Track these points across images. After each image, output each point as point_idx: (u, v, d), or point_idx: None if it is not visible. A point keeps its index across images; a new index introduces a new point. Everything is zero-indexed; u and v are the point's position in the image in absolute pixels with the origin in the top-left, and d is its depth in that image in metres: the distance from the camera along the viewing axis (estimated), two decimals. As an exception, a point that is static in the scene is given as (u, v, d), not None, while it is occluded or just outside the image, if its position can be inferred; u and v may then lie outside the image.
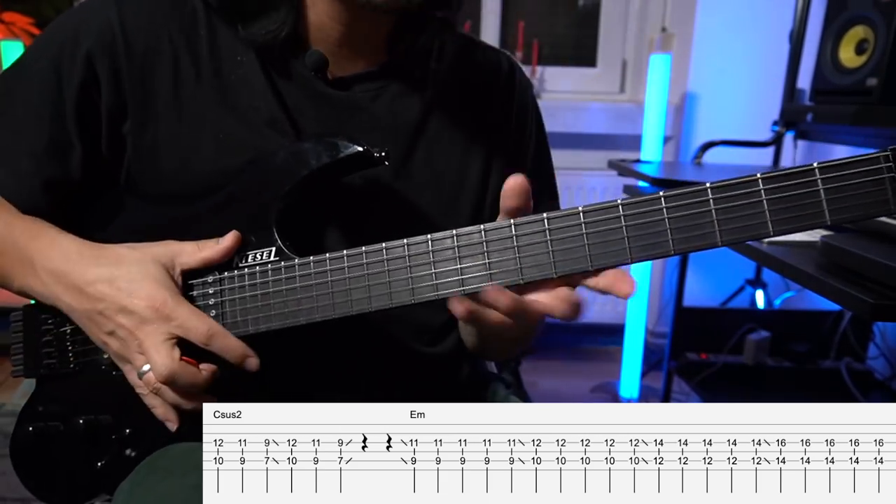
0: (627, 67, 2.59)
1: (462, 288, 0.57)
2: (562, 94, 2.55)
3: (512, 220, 0.56)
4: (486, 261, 0.57)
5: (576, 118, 2.42)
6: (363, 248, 0.60)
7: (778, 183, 0.50)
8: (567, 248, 0.55)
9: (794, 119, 1.95)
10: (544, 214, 0.55)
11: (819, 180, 0.49)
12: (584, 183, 2.44)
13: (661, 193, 0.53)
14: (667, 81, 2.16)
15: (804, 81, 1.95)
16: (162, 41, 0.68)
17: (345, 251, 0.60)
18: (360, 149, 0.64)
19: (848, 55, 1.64)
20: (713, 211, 0.52)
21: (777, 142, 2.10)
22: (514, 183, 0.55)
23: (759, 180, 0.50)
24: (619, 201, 0.54)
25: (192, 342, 0.61)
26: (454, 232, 0.57)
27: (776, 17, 2.24)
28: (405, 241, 0.58)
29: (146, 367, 0.61)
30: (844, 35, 1.64)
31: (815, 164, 0.50)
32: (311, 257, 0.62)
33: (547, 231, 0.55)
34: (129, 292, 0.61)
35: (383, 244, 0.59)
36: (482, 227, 0.57)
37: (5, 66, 1.93)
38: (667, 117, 2.23)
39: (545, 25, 2.63)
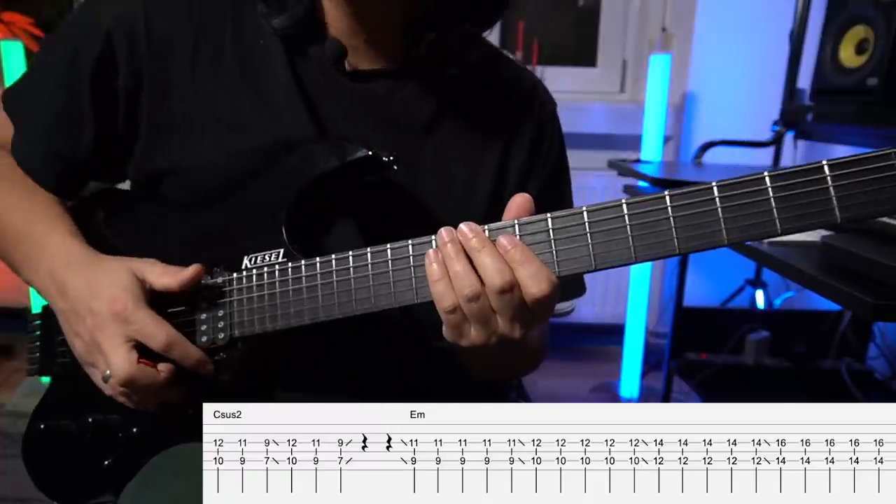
0: (627, 67, 2.58)
1: None
2: (562, 94, 2.53)
3: (516, 220, 0.55)
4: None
5: (576, 118, 2.41)
6: (368, 248, 0.60)
7: (786, 181, 0.49)
8: (571, 247, 0.54)
9: (794, 119, 1.95)
10: (548, 215, 0.55)
11: (829, 178, 0.48)
12: (584, 183, 2.44)
13: (666, 192, 0.52)
14: (667, 81, 2.16)
15: (804, 81, 1.95)
16: (183, 27, 0.70)
17: (350, 252, 0.61)
18: (369, 152, 0.65)
19: (848, 55, 1.64)
20: (719, 210, 0.51)
21: (777, 142, 2.10)
22: (522, 199, 0.55)
23: (767, 178, 0.50)
24: (623, 201, 0.53)
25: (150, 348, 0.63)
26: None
27: (776, 17, 2.24)
28: (409, 241, 0.58)
29: (108, 372, 0.62)
30: (844, 35, 1.64)
31: (823, 162, 0.48)
32: (318, 258, 0.62)
33: (550, 231, 0.55)
34: (98, 295, 0.63)
35: (388, 245, 0.59)
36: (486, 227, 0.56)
37: (5, 65, 1.93)
38: (667, 117, 2.23)
39: (545, 25, 2.63)
